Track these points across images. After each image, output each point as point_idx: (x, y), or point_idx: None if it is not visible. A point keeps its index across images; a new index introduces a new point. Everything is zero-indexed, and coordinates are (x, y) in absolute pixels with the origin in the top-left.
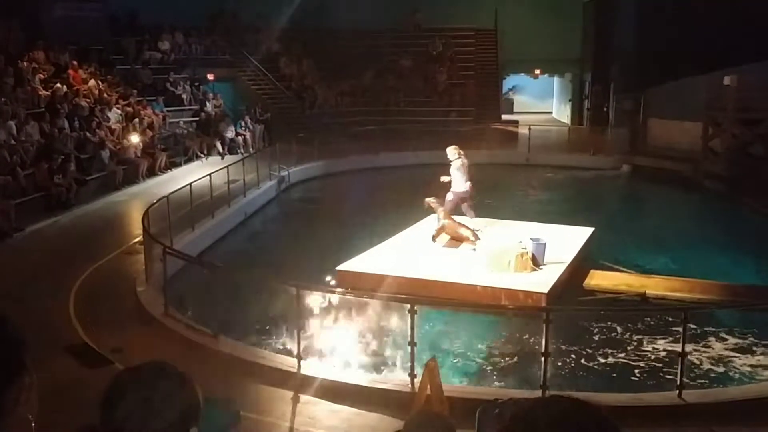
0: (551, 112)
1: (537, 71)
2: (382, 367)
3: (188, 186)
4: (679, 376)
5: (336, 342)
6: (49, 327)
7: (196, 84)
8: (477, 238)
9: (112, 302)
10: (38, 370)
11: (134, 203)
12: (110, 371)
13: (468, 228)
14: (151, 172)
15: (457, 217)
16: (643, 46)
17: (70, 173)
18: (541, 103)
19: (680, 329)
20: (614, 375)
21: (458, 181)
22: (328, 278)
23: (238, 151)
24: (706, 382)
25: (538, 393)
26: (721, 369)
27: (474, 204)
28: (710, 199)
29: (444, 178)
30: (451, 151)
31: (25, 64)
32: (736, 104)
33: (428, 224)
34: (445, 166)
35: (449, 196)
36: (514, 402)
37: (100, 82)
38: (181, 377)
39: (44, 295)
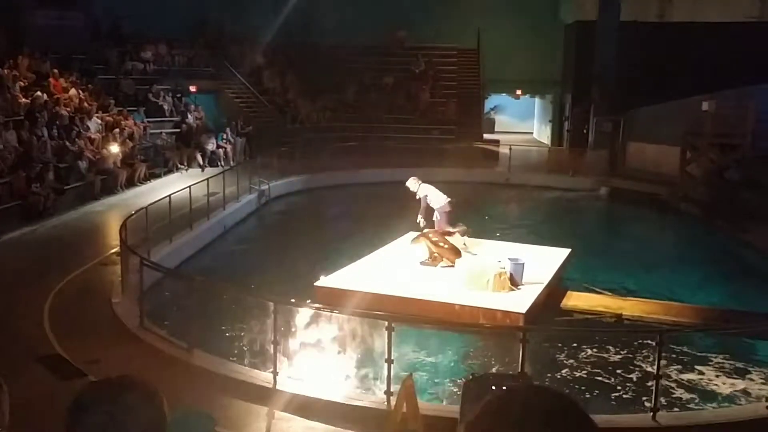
0: (532, 133)
1: (518, 92)
2: (359, 384)
3: (167, 198)
4: (653, 398)
5: (313, 358)
6: (23, 337)
7: (178, 95)
8: (458, 255)
9: (88, 313)
10: (11, 382)
11: (112, 214)
12: (84, 383)
13: (453, 247)
14: (131, 183)
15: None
16: (623, 70)
17: (48, 182)
18: (522, 123)
19: (655, 351)
20: (588, 396)
21: (434, 201)
22: (308, 301)
23: (219, 163)
24: (681, 404)
25: None
26: (695, 392)
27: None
28: (686, 222)
29: (420, 221)
30: (412, 183)
31: (5, 71)
32: (714, 129)
33: (408, 241)
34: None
35: (436, 216)
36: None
37: (81, 91)
38: (147, 391)
39: (18, 305)
